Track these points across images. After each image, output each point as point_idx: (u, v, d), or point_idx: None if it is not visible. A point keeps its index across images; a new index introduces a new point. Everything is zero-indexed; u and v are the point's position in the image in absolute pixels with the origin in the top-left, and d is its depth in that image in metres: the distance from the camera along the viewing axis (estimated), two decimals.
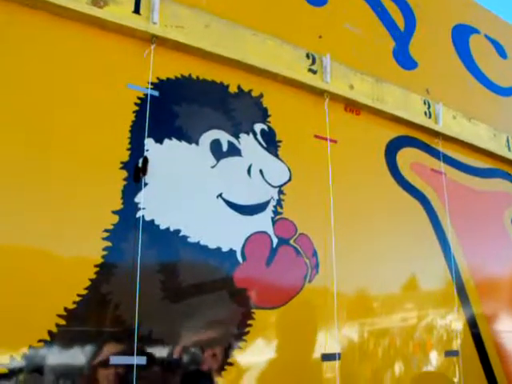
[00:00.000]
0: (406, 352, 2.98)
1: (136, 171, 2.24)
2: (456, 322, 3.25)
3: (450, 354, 3.16)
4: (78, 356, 1.94)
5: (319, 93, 2.95)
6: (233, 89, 2.65)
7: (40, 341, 1.87)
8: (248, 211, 2.51)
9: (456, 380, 3.13)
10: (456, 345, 3.21)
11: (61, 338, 1.91)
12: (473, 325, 3.37)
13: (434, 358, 3.10)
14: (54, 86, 2.16)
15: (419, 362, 3.02)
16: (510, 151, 4.05)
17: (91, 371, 1.96)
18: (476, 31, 4.33)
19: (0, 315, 1.83)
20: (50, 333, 1.89)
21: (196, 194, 2.38)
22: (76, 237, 2.05)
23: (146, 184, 2.23)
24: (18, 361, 1.82)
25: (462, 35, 4.17)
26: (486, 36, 4.41)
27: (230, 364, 2.28)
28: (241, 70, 2.69)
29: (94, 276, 2.03)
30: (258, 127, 2.67)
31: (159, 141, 2.33)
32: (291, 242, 2.59)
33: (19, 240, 1.95)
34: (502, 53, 4.50)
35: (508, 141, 4.06)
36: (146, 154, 2.26)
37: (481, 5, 4.50)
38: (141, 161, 2.24)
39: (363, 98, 3.12)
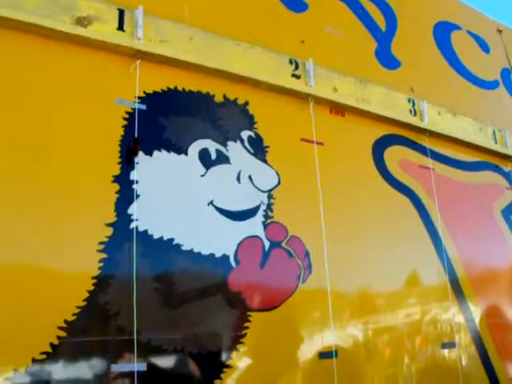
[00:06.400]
0: (403, 347, 3.03)
1: (128, 153, 2.32)
2: (451, 314, 3.30)
3: (447, 345, 3.21)
4: (79, 366, 1.99)
5: (304, 97, 3.02)
6: (218, 98, 2.72)
7: (42, 353, 1.93)
8: (239, 217, 2.57)
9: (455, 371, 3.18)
10: (452, 336, 3.26)
11: (62, 349, 1.97)
12: (468, 316, 3.42)
13: (432, 351, 3.14)
14: (43, 104, 2.22)
15: (417, 356, 3.06)
16: (496, 143, 4.12)
17: (93, 380, 2.00)
18: (458, 27, 4.41)
19: (2, 330, 1.88)
20: (51, 345, 1.95)
21: (187, 202, 2.44)
22: (72, 250, 2.11)
23: (137, 196, 2.29)
24: (22, 374, 1.87)
25: (443, 32, 4.25)
26: (468, 32, 4.49)
27: (229, 367, 2.33)
28: (225, 80, 2.76)
29: (91, 287, 2.08)
30: (246, 134, 2.73)
31: (149, 153, 2.40)
32: (283, 244, 2.65)
33: (17, 255, 2.00)
34: (484, 47, 4.57)
35: (494, 133, 4.13)
36: (136, 166, 2.32)
37: (461, 1, 4.58)
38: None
39: (347, 100, 3.18)
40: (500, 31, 4.84)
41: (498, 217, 3.94)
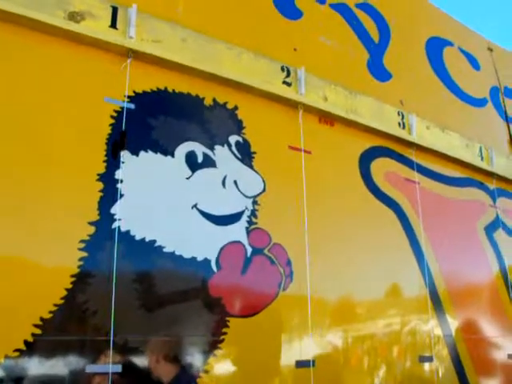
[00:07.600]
0: (381, 358, 3.03)
1: (114, 147, 2.31)
2: (430, 327, 3.32)
3: (424, 359, 3.22)
4: (53, 365, 1.96)
5: (294, 105, 3.02)
6: (208, 101, 2.71)
7: (16, 350, 1.90)
8: (223, 221, 2.56)
9: None
10: (430, 350, 3.27)
11: (36, 347, 1.94)
12: (446, 330, 3.44)
13: (409, 364, 3.16)
14: (31, 99, 2.19)
15: (394, 368, 3.07)
16: (482, 161, 4.16)
17: (67, 380, 1.98)
18: (450, 44, 4.45)
19: None
20: (25, 342, 1.92)
21: (171, 204, 2.43)
22: (52, 247, 2.08)
23: (121, 195, 2.27)
24: None
25: (435, 48, 4.29)
26: (460, 48, 4.53)
27: (205, 371, 2.32)
28: (216, 83, 2.75)
29: (70, 286, 2.06)
30: (233, 139, 2.72)
31: (135, 153, 2.38)
32: (265, 251, 2.64)
33: None
34: (475, 64, 4.62)
35: (481, 150, 4.17)
36: (121, 165, 2.30)
37: (455, 18, 4.63)
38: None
39: (337, 110, 3.19)
40: (491, 50, 4.90)
41: (481, 234, 3.97)
